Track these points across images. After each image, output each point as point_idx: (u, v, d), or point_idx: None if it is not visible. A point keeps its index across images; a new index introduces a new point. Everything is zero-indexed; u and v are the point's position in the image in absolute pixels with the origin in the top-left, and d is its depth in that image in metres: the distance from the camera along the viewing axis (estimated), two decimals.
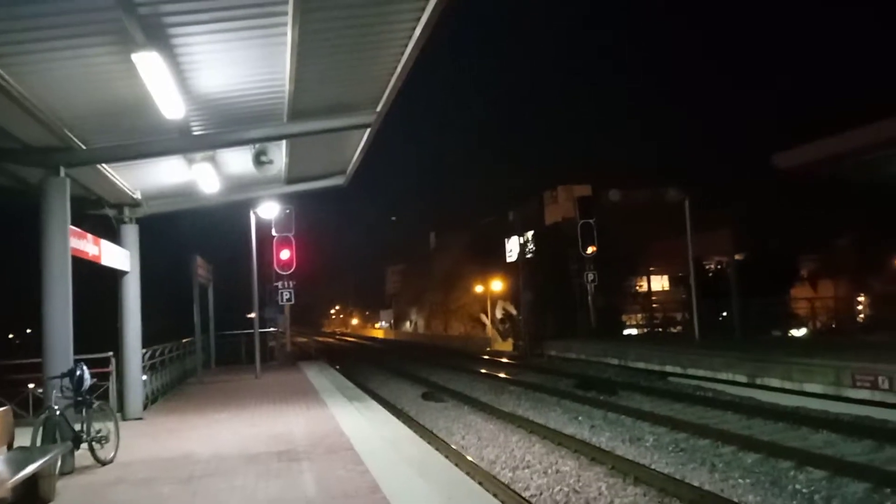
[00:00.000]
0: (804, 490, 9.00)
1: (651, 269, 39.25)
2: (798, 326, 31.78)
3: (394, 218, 74.52)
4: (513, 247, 43.08)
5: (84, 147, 9.08)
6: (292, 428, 10.85)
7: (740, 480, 9.60)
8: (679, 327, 35.99)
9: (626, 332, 37.28)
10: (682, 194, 25.00)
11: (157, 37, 6.38)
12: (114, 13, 5.85)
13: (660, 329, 37.56)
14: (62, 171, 8.92)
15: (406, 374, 26.62)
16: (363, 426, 10.85)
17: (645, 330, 37.99)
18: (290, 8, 6.29)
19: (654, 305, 39.78)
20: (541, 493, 9.43)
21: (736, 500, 8.60)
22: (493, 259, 46.08)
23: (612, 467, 10.41)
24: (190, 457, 8.93)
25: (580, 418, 15.08)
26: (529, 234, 40.49)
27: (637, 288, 40.34)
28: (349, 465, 7.99)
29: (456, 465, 9.76)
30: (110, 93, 7.73)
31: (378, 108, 9.78)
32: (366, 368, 30.01)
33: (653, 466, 10.35)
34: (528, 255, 39.18)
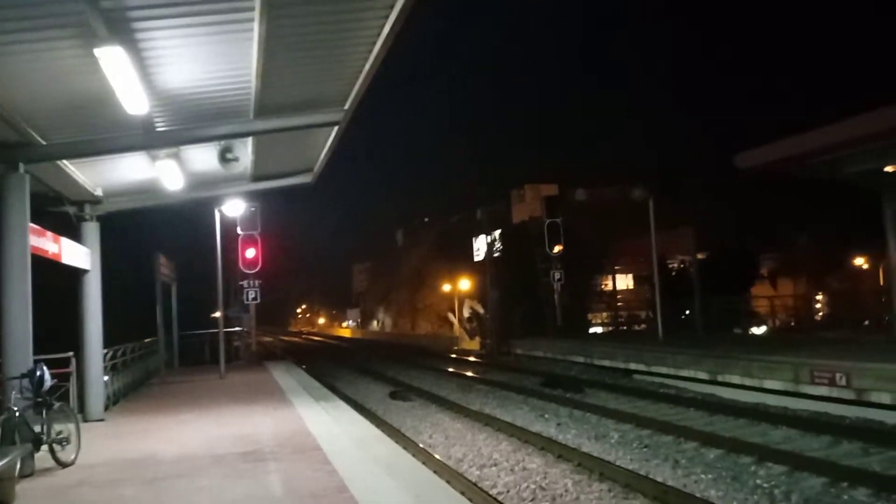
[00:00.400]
0: (764, 485, 9.17)
1: (616, 267, 39.79)
2: (759, 324, 32.50)
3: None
4: (480, 245, 43.23)
5: (44, 143, 8.89)
6: (259, 428, 10.78)
7: (703, 476, 9.73)
8: (643, 325, 36.54)
9: (591, 330, 37.71)
10: (646, 194, 25.29)
11: (121, 31, 6.26)
12: (76, 6, 5.73)
13: (624, 327, 38.09)
14: (21, 167, 8.74)
15: (373, 373, 26.53)
16: (330, 426, 10.82)
17: (610, 328, 38.47)
18: (256, 3, 6.23)
19: (620, 304, 40.34)
20: (508, 491, 9.46)
21: (698, 495, 8.74)
22: (460, 257, 46.21)
23: (578, 464, 10.48)
24: (154, 458, 8.82)
25: (546, 416, 15.19)
26: (497, 232, 40.68)
27: (603, 287, 40.85)
28: (316, 464, 7.97)
29: (423, 463, 9.77)
30: (72, 87, 7.58)
31: (346, 106, 9.74)
32: (333, 368, 29.84)
33: (618, 462, 10.44)
34: (496, 254, 39.35)
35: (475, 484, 9.44)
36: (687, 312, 31.37)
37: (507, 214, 48.36)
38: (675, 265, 37.54)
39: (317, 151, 12.81)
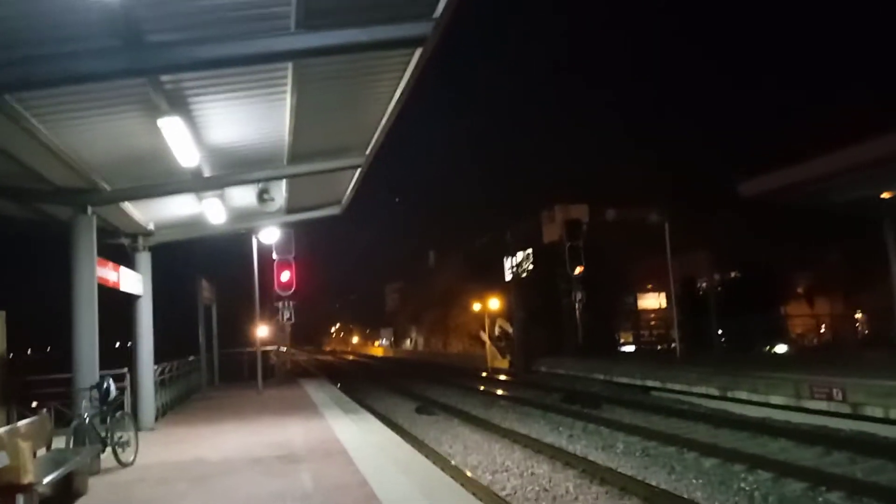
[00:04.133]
0: (747, 488, 10.06)
1: (649, 287, 40.31)
2: (783, 343, 32.81)
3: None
4: (511, 265, 44.18)
5: (109, 188, 10.30)
6: (292, 436, 11.93)
7: (694, 481, 10.63)
8: (670, 344, 37.09)
9: (622, 349, 38.29)
10: (662, 216, 26.15)
11: (179, 105, 7.63)
12: (143, 88, 7.08)
13: (652, 346, 38.60)
14: (89, 210, 10.14)
15: (403, 390, 27.50)
16: (357, 434, 11.90)
17: (635, 347, 39.05)
18: (289, 81, 7.54)
19: (652, 323, 40.83)
20: (515, 492, 10.48)
21: (686, 496, 9.65)
22: (491, 277, 47.06)
23: (582, 470, 11.43)
24: (201, 460, 10.05)
25: (561, 429, 16.08)
26: (521, 254, 41.58)
27: (634, 306, 41.42)
28: (342, 465, 9.10)
29: (436, 464, 10.77)
30: (135, 146, 8.96)
31: (367, 152, 11.02)
32: (364, 385, 30.89)
33: (619, 469, 11.33)
34: (523, 275, 40.24)
35: (487, 487, 10.44)
36: (720, 332, 31.80)
37: (537, 235, 49.11)
38: (704, 284, 38.00)
39: (344, 187, 14.12)
